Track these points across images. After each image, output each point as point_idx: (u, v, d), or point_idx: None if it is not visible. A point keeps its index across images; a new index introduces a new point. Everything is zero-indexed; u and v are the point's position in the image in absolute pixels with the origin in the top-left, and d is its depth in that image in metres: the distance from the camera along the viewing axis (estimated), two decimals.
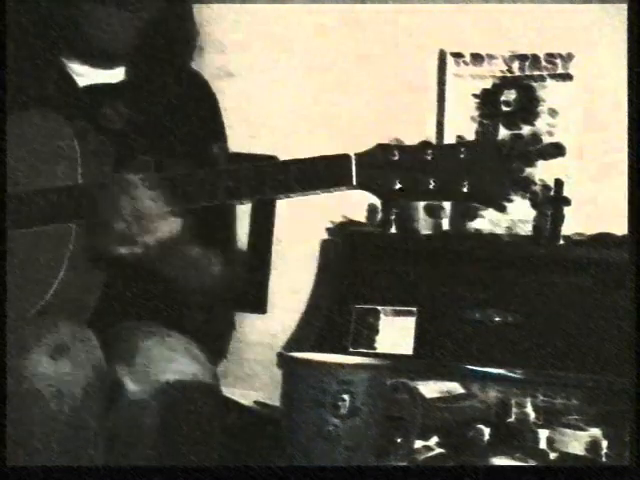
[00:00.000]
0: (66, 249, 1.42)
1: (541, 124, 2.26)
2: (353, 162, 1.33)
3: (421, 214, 2.22)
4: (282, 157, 2.18)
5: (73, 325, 1.39)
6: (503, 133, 2.28)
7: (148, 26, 1.62)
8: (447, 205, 2.23)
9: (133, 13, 1.58)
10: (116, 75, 1.67)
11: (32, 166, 1.48)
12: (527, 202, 2.11)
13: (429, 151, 1.32)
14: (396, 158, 1.32)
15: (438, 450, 1.90)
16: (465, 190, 1.30)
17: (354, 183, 1.33)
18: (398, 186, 1.31)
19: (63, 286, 1.41)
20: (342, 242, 2.28)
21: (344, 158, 1.34)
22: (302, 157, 1.38)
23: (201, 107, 1.71)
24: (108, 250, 1.37)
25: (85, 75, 1.65)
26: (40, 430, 1.28)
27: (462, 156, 1.30)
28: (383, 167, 1.32)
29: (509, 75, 2.30)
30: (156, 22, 1.64)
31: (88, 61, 1.65)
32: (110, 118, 1.61)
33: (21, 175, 1.47)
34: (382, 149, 1.33)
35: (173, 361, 1.41)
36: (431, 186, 1.30)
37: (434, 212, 2.15)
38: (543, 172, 2.12)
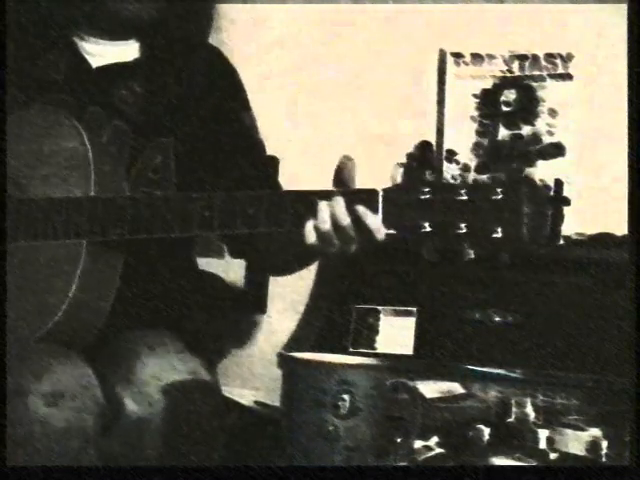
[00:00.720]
0: (77, 266, 1.38)
1: (541, 124, 2.26)
2: (380, 198, 1.25)
3: None
4: (282, 157, 2.21)
5: (71, 363, 1.36)
6: (503, 133, 2.28)
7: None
8: None
9: None
10: (130, 52, 1.63)
11: (41, 169, 1.45)
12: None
13: (462, 190, 1.22)
14: (427, 197, 1.23)
15: (438, 450, 1.90)
16: (497, 236, 1.23)
17: (380, 220, 1.25)
18: (427, 229, 1.23)
19: (68, 313, 1.38)
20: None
21: (371, 193, 1.26)
22: (329, 189, 1.32)
23: (223, 79, 1.66)
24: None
25: (99, 54, 1.61)
26: (40, 430, 1.28)
27: (496, 197, 1.23)
28: (412, 206, 1.23)
29: (509, 75, 2.30)
30: None
31: (102, 33, 1.61)
32: (126, 99, 1.58)
33: (28, 178, 1.44)
34: (412, 184, 1.25)
35: (177, 364, 1.41)
36: (462, 231, 1.23)
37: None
38: (543, 172, 2.13)
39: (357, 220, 1.27)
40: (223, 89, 1.65)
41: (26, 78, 1.60)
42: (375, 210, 1.25)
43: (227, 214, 1.32)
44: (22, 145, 1.46)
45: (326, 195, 1.29)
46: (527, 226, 1.23)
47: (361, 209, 1.26)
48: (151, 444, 1.37)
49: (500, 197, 1.22)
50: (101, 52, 1.62)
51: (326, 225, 1.28)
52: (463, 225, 1.22)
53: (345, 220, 1.27)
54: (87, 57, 1.61)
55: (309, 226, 1.29)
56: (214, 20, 1.72)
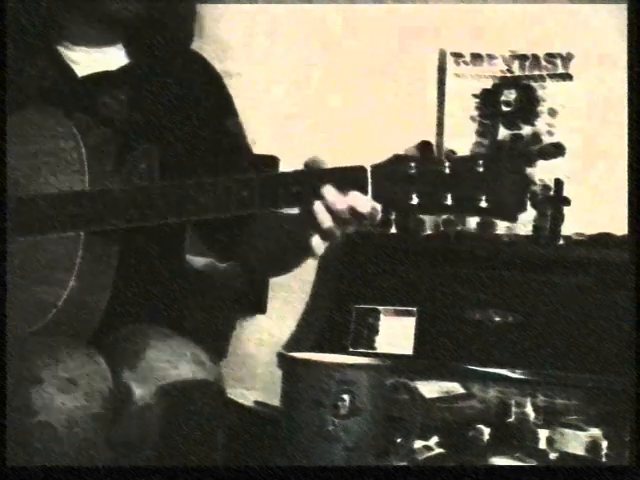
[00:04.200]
0: (75, 258, 1.39)
1: (541, 124, 2.26)
2: (369, 174, 1.30)
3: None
4: (282, 157, 2.21)
5: (81, 350, 1.37)
6: (503, 133, 2.28)
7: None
8: None
9: None
10: (115, 60, 1.64)
11: (36, 168, 1.46)
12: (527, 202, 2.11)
13: (447, 164, 1.28)
14: (413, 171, 1.28)
15: (438, 450, 1.90)
16: (483, 205, 1.26)
17: (370, 195, 1.29)
18: (415, 200, 1.28)
19: (69, 303, 1.38)
20: (342, 242, 2.27)
21: (359, 170, 1.30)
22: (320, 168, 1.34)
23: (208, 86, 1.67)
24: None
25: (83, 63, 1.62)
26: (40, 430, 1.28)
27: (480, 169, 1.27)
28: (400, 180, 1.28)
29: (509, 75, 2.30)
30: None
31: (87, 39, 1.62)
32: (111, 107, 1.59)
33: (22, 177, 1.46)
34: (399, 161, 1.30)
35: (177, 363, 1.41)
36: (448, 201, 1.27)
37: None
38: (543, 172, 2.13)
39: (351, 207, 1.30)
40: (207, 96, 1.66)
41: (25, 78, 1.60)
42: (365, 186, 1.29)
43: (222, 199, 1.34)
44: (22, 145, 1.47)
45: (318, 176, 1.32)
46: (509, 195, 1.26)
47: (353, 194, 1.30)
48: (151, 444, 1.37)
49: (482, 169, 1.27)
50: (87, 60, 1.63)
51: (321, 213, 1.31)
52: (449, 196, 1.27)
53: (339, 207, 1.30)
54: (72, 66, 1.62)
55: (318, 205, 1.31)
56: (196, 22, 1.72)
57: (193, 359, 1.44)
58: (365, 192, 1.29)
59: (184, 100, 1.63)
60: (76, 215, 1.40)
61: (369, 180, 1.29)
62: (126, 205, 1.38)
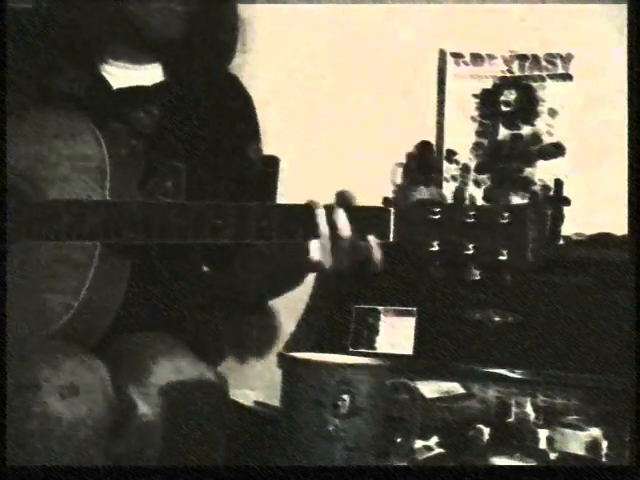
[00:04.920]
0: (90, 268, 1.39)
1: (541, 124, 2.26)
2: (392, 217, 1.29)
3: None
4: (283, 158, 2.21)
5: (83, 358, 1.36)
6: (503, 133, 2.28)
7: (190, 21, 1.59)
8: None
9: (177, 5, 1.56)
10: (151, 76, 1.64)
11: (57, 172, 1.45)
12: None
13: (471, 212, 1.25)
14: (437, 217, 1.27)
15: (438, 450, 1.90)
16: (503, 258, 1.24)
17: (391, 239, 1.29)
18: (436, 248, 1.26)
19: (80, 311, 1.38)
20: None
21: (384, 211, 1.29)
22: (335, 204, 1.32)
23: (238, 110, 1.68)
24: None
25: (120, 76, 1.63)
26: (40, 430, 1.28)
27: (504, 221, 1.25)
28: (422, 225, 1.27)
29: (509, 75, 2.30)
30: (197, 19, 1.61)
31: (126, 57, 1.62)
32: (143, 121, 1.59)
33: (42, 180, 1.45)
34: (423, 204, 1.29)
35: (178, 371, 1.41)
36: (470, 252, 1.25)
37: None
38: (543, 172, 2.13)
39: (361, 249, 1.31)
40: (236, 120, 1.67)
41: (27, 79, 1.60)
42: (387, 229, 1.29)
43: (240, 224, 1.33)
44: (39, 146, 1.46)
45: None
46: (531, 249, 1.25)
47: (371, 240, 1.30)
48: (151, 444, 1.37)
49: (507, 221, 1.25)
50: (123, 75, 1.63)
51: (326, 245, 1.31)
52: (470, 246, 1.25)
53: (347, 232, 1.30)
54: (107, 77, 1.62)
55: (314, 245, 1.31)
56: (237, 44, 1.71)
57: (193, 359, 1.44)
58: (387, 235, 1.29)
59: (214, 121, 1.63)
60: (93, 224, 1.39)
61: (392, 222, 1.29)
62: (142, 219, 1.37)
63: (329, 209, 1.31)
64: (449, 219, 1.26)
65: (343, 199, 1.32)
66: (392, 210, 1.29)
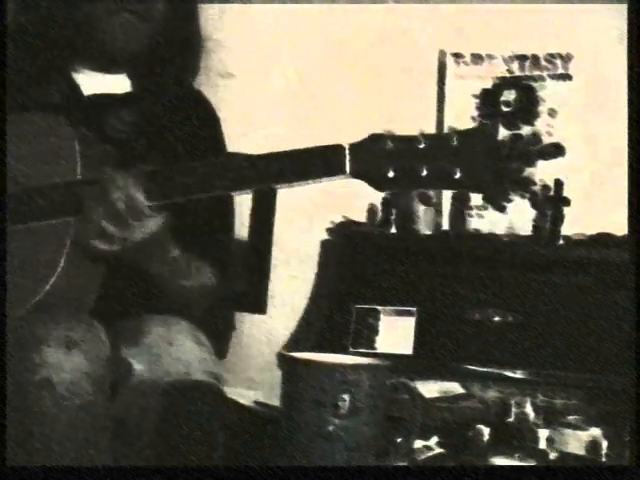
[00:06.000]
0: (64, 243, 1.42)
1: (541, 124, 2.26)
2: (347, 152, 1.34)
3: (421, 214, 2.22)
4: None
5: (79, 318, 1.40)
6: (503, 133, 2.28)
7: (155, 33, 1.65)
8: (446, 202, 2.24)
9: (140, 17, 1.60)
10: (122, 85, 1.68)
11: (32, 166, 1.48)
12: (527, 202, 2.11)
13: (422, 140, 1.33)
14: (389, 147, 1.33)
15: (438, 450, 1.90)
16: (457, 177, 1.31)
17: (347, 172, 1.34)
18: (391, 174, 1.33)
19: (61, 280, 1.42)
20: (342, 242, 2.28)
21: (338, 148, 1.35)
22: (296, 148, 1.38)
23: (203, 124, 1.72)
24: (90, 245, 1.39)
25: (91, 85, 1.66)
26: (40, 430, 1.28)
27: (455, 144, 1.32)
28: (376, 156, 1.33)
29: (509, 75, 2.30)
30: (162, 30, 1.66)
31: (94, 66, 1.67)
32: (115, 127, 1.63)
33: (20, 174, 1.48)
34: (375, 139, 1.34)
35: (177, 342, 1.43)
36: (424, 174, 1.32)
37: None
38: (543, 172, 2.13)
39: None
40: (201, 134, 1.70)
41: (26, 79, 1.62)
42: (343, 165, 1.35)
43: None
44: (22, 145, 1.48)
45: (296, 155, 1.38)
46: (482, 166, 1.33)
47: None
48: (151, 444, 1.37)
49: (455, 143, 1.32)
50: (93, 83, 1.67)
51: None
52: (424, 168, 1.32)
53: None
54: (80, 85, 1.66)
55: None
56: (200, 57, 1.75)
57: (193, 360, 1.45)
58: (343, 169, 1.34)
59: (179, 132, 1.67)
60: (65, 202, 1.43)
61: (347, 157, 1.34)
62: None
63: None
64: (401, 148, 1.33)
65: None
66: (346, 145, 1.34)
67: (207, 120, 1.74)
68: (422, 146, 1.33)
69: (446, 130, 2.29)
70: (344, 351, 2.07)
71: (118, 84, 1.68)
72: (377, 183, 1.34)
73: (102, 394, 1.34)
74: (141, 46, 1.64)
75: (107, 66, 1.67)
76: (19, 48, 1.62)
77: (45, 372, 1.29)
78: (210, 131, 1.73)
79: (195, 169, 1.39)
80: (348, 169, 1.34)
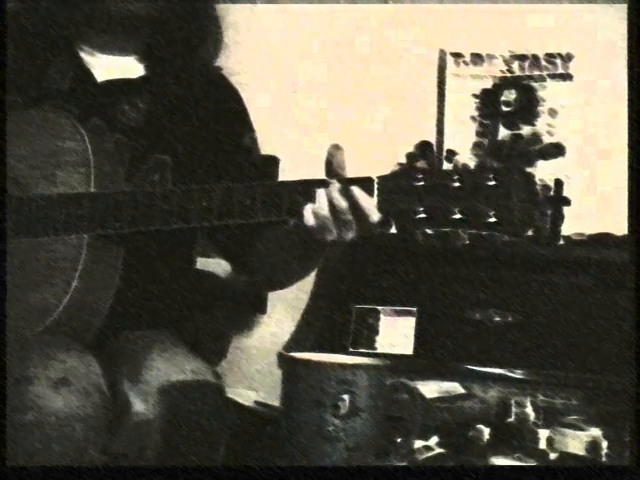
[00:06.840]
0: (78, 262, 1.39)
1: (541, 124, 2.26)
2: (375, 185, 1.27)
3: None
4: (283, 157, 2.21)
5: (75, 352, 1.37)
6: (503, 133, 2.28)
7: (166, 13, 1.59)
8: None
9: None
10: (135, 70, 1.63)
11: (41, 169, 1.46)
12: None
13: (456, 177, 1.23)
14: (421, 183, 1.24)
15: (438, 450, 1.90)
16: (491, 220, 1.22)
17: (375, 207, 1.27)
18: (422, 215, 1.24)
19: (73, 303, 1.39)
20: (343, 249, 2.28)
21: (366, 181, 1.27)
22: (324, 178, 1.31)
23: (226, 101, 1.67)
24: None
25: (103, 68, 1.61)
26: (40, 430, 1.28)
27: (490, 183, 1.23)
28: (406, 192, 1.25)
29: (509, 75, 2.30)
30: (174, 18, 1.61)
31: (105, 44, 1.61)
32: (128, 114, 1.58)
33: (28, 177, 1.45)
34: (406, 172, 1.27)
35: (176, 371, 1.41)
36: (456, 216, 1.23)
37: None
38: (543, 172, 2.13)
39: (353, 204, 1.27)
40: (225, 112, 1.65)
41: (26, 79, 1.60)
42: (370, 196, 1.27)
43: (225, 205, 1.33)
44: (22, 145, 1.46)
45: (322, 183, 1.30)
46: (519, 209, 1.22)
47: (356, 191, 1.27)
48: (151, 444, 1.37)
49: (492, 183, 1.23)
50: (106, 66, 1.62)
51: (324, 209, 1.28)
52: (457, 210, 1.23)
53: (342, 203, 1.28)
54: (92, 70, 1.61)
55: (308, 209, 1.30)
56: (221, 38, 1.69)
57: (194, 360, 1.44)
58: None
59: (200, 114, 1.62)
60: (78, 217, 1.39)
61: (375, 191, 1.27)
62: (128, 208, 1.37)
63: (325, 184, 1.30)
64: (434, 184, 1.24)
65: (335, 153, 1.31)
66: (375, 179, 1.26)
67: (229, 97, 1.68)
68: (456, 185, 1.23)
69: (452, 139, 2.29)
70: (344, 351, 2.07)
71: (132, 69, 1.63)
72: (405, 223, 1.26)
73: (97, 433, 1.32)
74: (149, 11, 1.57)
75: (118, 46, 1.61)
76: (22, 31, 1.59)
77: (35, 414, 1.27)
78: (233, 110, 1.68)
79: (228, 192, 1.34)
80: (375, 204, 1.26)
